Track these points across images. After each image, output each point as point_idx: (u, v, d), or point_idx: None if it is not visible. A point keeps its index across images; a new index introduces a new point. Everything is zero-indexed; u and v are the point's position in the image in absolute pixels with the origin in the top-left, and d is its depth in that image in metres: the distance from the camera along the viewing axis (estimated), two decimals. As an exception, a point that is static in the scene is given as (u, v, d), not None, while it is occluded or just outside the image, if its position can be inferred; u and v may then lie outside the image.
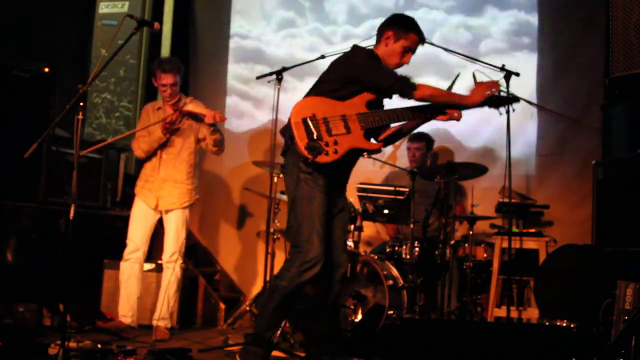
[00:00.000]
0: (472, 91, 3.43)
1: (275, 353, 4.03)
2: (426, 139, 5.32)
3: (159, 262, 4.85)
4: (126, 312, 4.56)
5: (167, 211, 4.65)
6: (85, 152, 4.71)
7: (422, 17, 5.82)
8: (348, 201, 3.75)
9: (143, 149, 4.63)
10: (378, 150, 3.50)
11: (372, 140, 3.48)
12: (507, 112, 3.72)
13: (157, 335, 4.42)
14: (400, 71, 3.49)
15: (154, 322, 4.54)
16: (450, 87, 3.50)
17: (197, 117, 4.57)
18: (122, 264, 4.61)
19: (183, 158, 4.64)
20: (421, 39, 3.51)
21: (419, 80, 3.39)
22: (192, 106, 4.59)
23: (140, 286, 4.61)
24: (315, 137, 3.31)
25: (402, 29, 3.47)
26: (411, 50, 3.49)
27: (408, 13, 3.69)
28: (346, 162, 3.45)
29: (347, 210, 3.65)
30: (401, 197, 4.69)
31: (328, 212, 3.41)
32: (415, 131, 5.28)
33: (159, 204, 4.63)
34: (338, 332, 3.52)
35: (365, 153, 3.55)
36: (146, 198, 4.65)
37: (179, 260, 4.62)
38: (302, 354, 4.00)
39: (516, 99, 3.62)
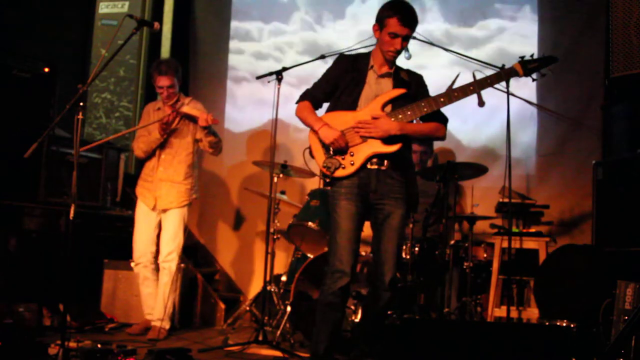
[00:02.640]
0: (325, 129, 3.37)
1: (275, 353, 4.03)
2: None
3: (158, 262, 4.84)
4: (149, 310, 4.68)
5: (164, 210, 4.67)
6: (85, 149, 4.73)
7: (421, 15, 5.83)
8: (401, 205, 3.41)
9: (142, 149, 4.68)
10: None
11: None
12: (508, 111, 3.70)
13: (151, 335, 4.45)
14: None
15: (152, 323, 4.56)
16: (450, 87, 3.48)
17: (192, 119, 4.63)
18: (135, 268, 4.71)
19: (181, 158, 4.67)
20: (401, 20, 3.33)
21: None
22: (188, 108, 4.62)
23: (156, 285, 4.66)
24: (332, 153, 3.37)
25: (379, 19, 3.40)
26: (397, 35, 3.34)
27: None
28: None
29: (398, 216, 3.39)
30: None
31: (360, 218, 3.38)
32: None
33: (157, 204, 4.66)
34: (379, 337, 3.45)
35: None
36: (145, 198, 4.70)
37: (176, 260, 4.62)
38: (302, 354, 4.00)
39: (554, 59, 3.44)
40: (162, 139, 4.62)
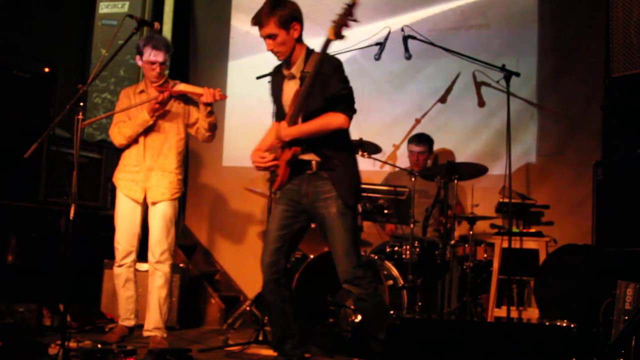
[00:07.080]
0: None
1: (275, 353, 4.03)
2: (429, 141, 5.31)
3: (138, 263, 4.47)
4: (128, 315, 4.33)
5: (154, 203, 4.20)
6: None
7: (420, 15, 5.83)
8: (332, 204, 3.35)
9: (125, 135, 4.18)
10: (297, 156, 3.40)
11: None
12: (508, 111, 3.70)
13: (152, 346, 4.14)
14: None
15: (146, 333, 4.23)
16: (451, 87, 3.49)
17: (187, 99, 4.25)
18: (117, 269, 4.30)
19: (172, 145, 4.22)
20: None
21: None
22: (184, 85, 4.19)
23: (137, 287, 4.37)
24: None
25: None
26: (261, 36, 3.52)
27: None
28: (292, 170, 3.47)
29: (332, 215, 3.33)
30: (401, 197, 4.68)
31: (287, 219, 3.45)
32: (418, 132, 5.35)
33: (148, 196, 4.19)
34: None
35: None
36: (130, 190, 4.22)
37: (170, 260, 4.20)
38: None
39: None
40: (151, 121, 4.12)
